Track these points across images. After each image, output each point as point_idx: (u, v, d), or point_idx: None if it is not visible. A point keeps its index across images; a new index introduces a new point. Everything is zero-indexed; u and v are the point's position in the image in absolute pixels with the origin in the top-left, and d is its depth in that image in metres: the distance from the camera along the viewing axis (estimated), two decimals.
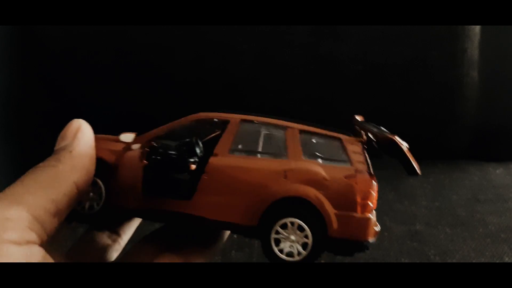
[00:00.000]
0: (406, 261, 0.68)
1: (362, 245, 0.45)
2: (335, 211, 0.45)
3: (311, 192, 0.46)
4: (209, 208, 0.46)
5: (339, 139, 0.47)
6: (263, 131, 0.49)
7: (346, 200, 0.45)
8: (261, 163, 0.47)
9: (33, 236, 0.35)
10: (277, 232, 0.46)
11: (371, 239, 0.45)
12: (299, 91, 0.97)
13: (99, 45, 0.95)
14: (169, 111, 0.51)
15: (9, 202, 0.36)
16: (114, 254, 0.48)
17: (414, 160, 0.44)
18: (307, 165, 0.47)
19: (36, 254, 0.35)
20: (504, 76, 1.00)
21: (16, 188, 0.37)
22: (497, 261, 0.68)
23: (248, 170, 0.46)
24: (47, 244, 0.37)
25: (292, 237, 0.46)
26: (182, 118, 0.48)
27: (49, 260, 0.35)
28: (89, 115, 0.48)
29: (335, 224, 0.45)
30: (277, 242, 0.46)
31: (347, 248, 0.45)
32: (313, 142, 0.48)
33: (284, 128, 0.48)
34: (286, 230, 0.46)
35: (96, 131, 0.44)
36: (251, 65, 0.95)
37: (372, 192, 0.45)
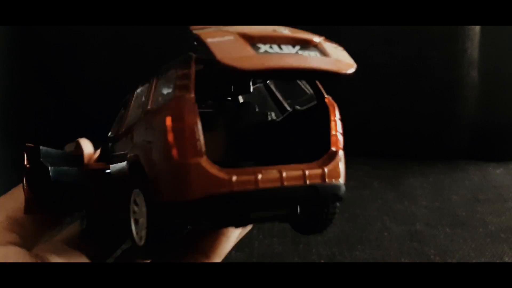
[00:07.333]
0: (406, 261, 0.67)
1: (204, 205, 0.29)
2: (157, 165, 0.31)
3: (138, 149, 0.33)
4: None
5: (174, 68, 0.34)
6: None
7: (161, 144, 0.30)
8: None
9: (13, 237, 0.37)
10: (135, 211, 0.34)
11: (207, 194, 0.29)
12: None
13: (99, 44, 0.95)
14: None
15: None
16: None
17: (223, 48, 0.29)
18: (145, 116, 0.34)
19: (15, 254, 0.36)
20: (504, 76, 1.00)
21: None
22: (497, 261, 0.68)
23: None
24: (33, 243, 0.38)
25: (136, 215, 0.34)
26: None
27: (29, 260, 0.36)
28: (89, 114, 0.48)
29: (157, 183, 0.30)
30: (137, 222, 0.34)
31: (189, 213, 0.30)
32: (164, 81, 0.36)
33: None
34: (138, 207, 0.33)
35: (96, 131, 0.44)
36: None
37: (189, 121, 0.29)
